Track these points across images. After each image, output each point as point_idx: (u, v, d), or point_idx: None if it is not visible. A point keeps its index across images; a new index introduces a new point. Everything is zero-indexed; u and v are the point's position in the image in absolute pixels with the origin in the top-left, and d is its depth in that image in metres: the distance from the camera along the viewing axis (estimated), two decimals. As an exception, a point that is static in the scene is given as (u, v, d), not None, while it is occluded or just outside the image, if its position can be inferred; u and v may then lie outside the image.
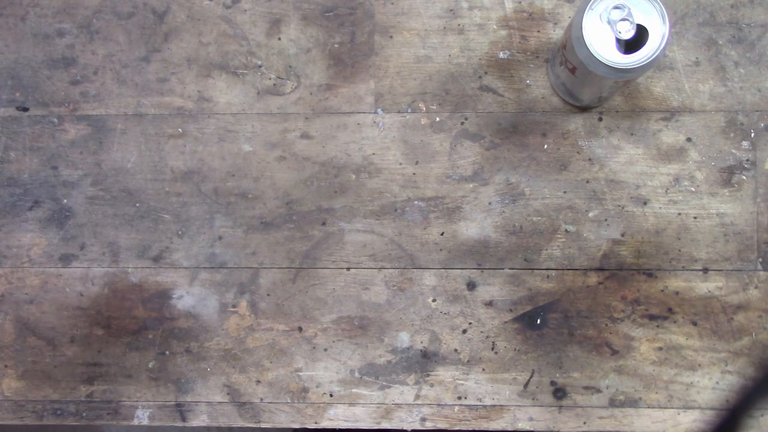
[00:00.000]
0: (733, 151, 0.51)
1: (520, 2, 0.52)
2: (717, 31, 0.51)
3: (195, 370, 0.52)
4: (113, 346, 0.52)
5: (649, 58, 0.41)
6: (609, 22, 0.42)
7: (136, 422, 0.52)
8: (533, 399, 0.51)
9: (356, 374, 0.52)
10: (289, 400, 0.52)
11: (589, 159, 0.51)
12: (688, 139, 0.51)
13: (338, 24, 0.52)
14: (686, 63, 0.51)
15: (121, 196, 0.53)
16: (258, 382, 0.52)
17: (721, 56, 0.51)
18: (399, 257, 0.52)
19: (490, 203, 0.52)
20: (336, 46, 0.52)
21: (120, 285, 0.53)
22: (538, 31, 0.52)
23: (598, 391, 0.51)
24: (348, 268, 0.52)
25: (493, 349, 0.51)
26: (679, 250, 0.51)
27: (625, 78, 0.43)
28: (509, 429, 0.51)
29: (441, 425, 0.52)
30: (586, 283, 0.51)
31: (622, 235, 0.51)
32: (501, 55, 0.52)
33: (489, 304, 0.51)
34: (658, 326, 0.51)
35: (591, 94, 0.48)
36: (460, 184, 0.52)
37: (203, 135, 0.53)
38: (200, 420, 0.52)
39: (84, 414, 0.52)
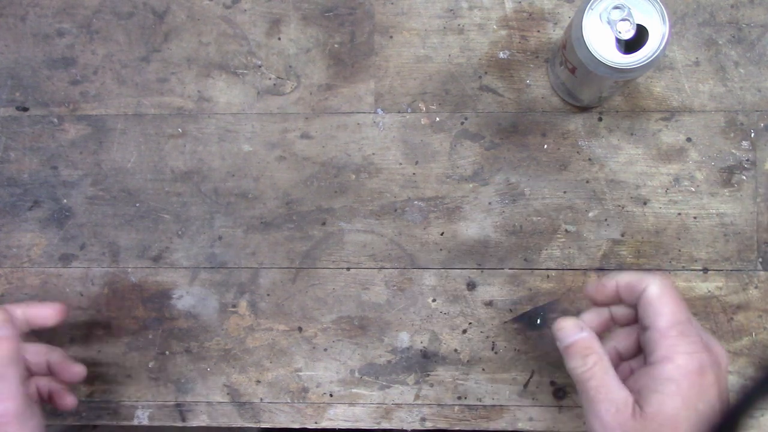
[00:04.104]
0: (733, 151, 0.51)
1: (520, 2, 0.52)
2: (717, 31, 0.51)
3: (195, 370, 0.52)
4: (113, 346, 0.52)
5: (649, 58, 0.41)
6: (609, 22, 0.42)
7: (136, 422, 0.52)
8: (533, 399, 0.51)
9: (356, 374, 0.52)
10: (289, 400, 0.52)
11: (589, 159, 0.51)
12: (688, 139, 0.51)
13: (338, 24, 0.52)
14: (686, 63, 0.51)
15: (121, 196, 0.53)
16: (258, 382, 0.52)
17: (721, 56, 0.51)
18: (399, 257, 0.52)
19: (490, 203, 0.52)
20: (336, 46, 0.52)
21: (120, 285, 0.53)
22: (538, 31, 0.52)
23: (598, 391, 0.51)
24: (348, 268, 0.52)
25: (493, 349, 0.51)
26: (679, 250, 0.51)
27: (625, 78, 0.43)
28: (509, 429, 0.51)
29: (441, 425, 0.52)
30: (586, 283, 0.51)
31: (622, 235, 0.51)
32: (501, 55, 0.52)
33: (489, 304, 0.51)
34: (658, 326, 0.51)
35: (591, 94, 0.48)
36: (460, 184, 0.52)
37: (203, 135, 0.53)
38: (200, 420, 0.52)
39: (84, 414, 0.52)
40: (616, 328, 0.43)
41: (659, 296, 0.38)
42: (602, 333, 0.42)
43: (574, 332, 0.40)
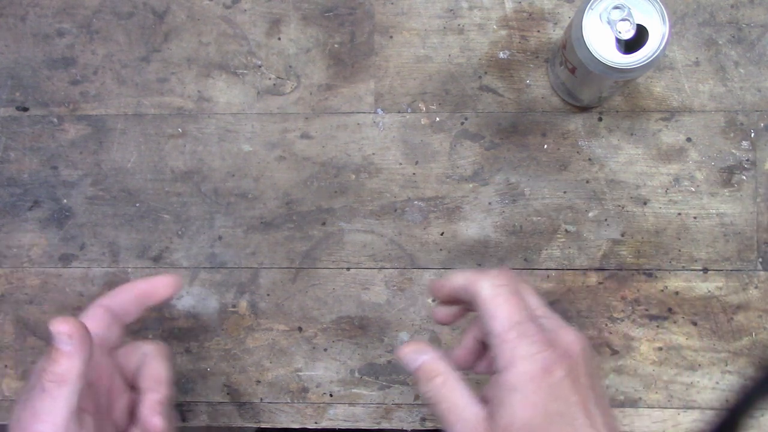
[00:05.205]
0: (733, 151, 0.51)
1: (520, 2, 0.52)
2: (717, 31, 0.51)
3: (195, 370, 0.52)
4: (113, 346, 0.52)
5: (649, 58, 0.41)
6: (609, 22, 0.42)
7: (136, 422, 0.52)
8: (533, 399, 0.51)
9: (356, 374, 0.52)
10: (289, 400, 0.52)
11: (589, 159, 0.51)
12: (688, 139, 0.51)
13: (338, 24, 0.52)
14: (686, 63, 0.51)
15: (121, 196, 0.53)
16: (258, 382, 0.52)
17: (721, 56, 0.51)
18: (399, 257, 0.52)
19: (490, 203, 0.52)
20: (336, 46, 0.52)
21: (120, 285, 0.52)
22: (538, 31, 0.52)
23: (598, 391, 0.51)
24: (348, 268, 0.52)
25: (493, 349, 0.51)
26: (679, 250, 0.51)
27: (625, 78, 0.43)
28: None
29: (441, 425, 0.52)
30: (586, 283, 0.51)
31: (622, 235, 0.51)
32: (501, 55, 0.52)
33: (489, 304, 0.51)
34: (658, 326, 0.51)
35: (591, 94, 0.48)
36: (460, 184, 0.52)
37: (203, 135, 0.53)
38: (200, 420, 0.52)
39: (84, 414, 0.52)
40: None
41: (492, 298, 0.36)
42: (459, 320, 0.42)
43: (416, 357, 0.38)
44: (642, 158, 0.51)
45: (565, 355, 0.35)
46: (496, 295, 0.36)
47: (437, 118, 0.52)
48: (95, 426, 0.39)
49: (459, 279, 0.38)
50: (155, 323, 0.52)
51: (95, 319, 0.42)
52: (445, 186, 0.52)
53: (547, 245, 0.51)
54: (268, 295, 0.52)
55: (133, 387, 0.43)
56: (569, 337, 0.36)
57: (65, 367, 0.37)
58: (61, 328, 0.37)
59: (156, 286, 0.44)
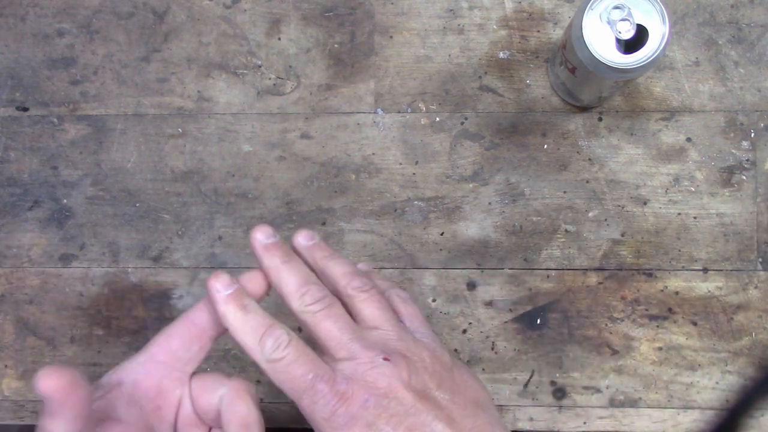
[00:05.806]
0: (733, 151, 0.51)
1: (520, 2, 0.52)
2: (717, 31, 0.51)
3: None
4: (113, 346, 0.52)
5: (649, 58, 0.41)
6: (609, 22, 0.42)
7: (136, 422, 0.52)
8: (533, 399, 0.51)
9: (356, 374, 0.52)
10: (289, 400, 0.52)
11: (589, 159, 0.51)
12: (688, 139, 0.51)
13: (338, 24, 0.52)
14: (686, 63, 0.51)
15: (121, 196, 0.53)
16: (258, 382, 0.52)
17: (721, 56, 0.51)
18: (399, 257, 0.52)
19: (490, 203, 0.52)
20: (336, 46, 0.52)
21: (120, 285, 0.53)
22: (538, 31, 0.52)
23: (598, 391, 0.51)
24: (348, 268, 0.52)
25: (493, 349, 0.51)
26: (679, 250, 0.51)
27: (625, 78, 0.43)
28: (509, 429, 0.51)
29: None
30: (586, 283, 0.51)
31: (622, 235, 0.51)
32: (501, 55, 0.52)
33: (489, 304, 0.51)
34: (658, 326, 0.51)
35: (591, 94, 0.48)
36: (460, 184, 0.52)
37: (203, 135, 0.53)
38: (200, 420, 0.52)
39: (84, 414, 0.52)
40: None
41: (273, 374, 0.34)
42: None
43: None
44: (642, 158, 0.51)
45: (369, 395, 0.33)
46: (276, 371, 0.35)
47: (437, 118, 0.52)
48: None
49: (244, 341, 0.35)
50: (155, 323, 0.52)
51: (176, 336, 0.37)
52: (445, 186, 0.52)
53: (547, 245, 0.51)
54: (268, 295, 0.52)
55: (207, 424, 0.38)
56: (372, 375, 0.34)
57: (51, 428, 0.31)
58: (42, 385, 0.30)
59: (246, 287, 0.39)
